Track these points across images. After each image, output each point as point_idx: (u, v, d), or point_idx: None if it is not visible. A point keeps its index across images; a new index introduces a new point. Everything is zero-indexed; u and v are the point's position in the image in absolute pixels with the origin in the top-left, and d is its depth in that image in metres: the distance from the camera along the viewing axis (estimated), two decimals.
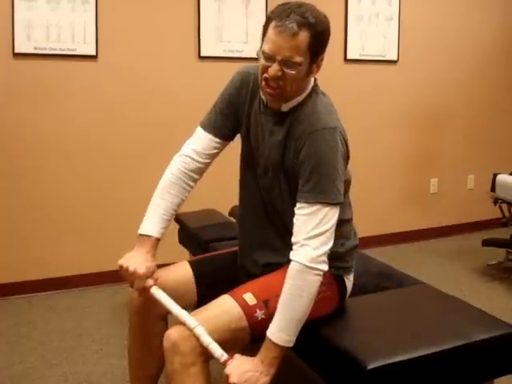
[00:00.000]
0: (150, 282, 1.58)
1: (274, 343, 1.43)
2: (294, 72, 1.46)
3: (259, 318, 1.51)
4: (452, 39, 4.27)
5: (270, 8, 3.79)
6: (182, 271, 1.76)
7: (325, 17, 1.50)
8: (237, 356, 1.45)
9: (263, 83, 1.51)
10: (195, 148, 1.68)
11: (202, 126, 1.70)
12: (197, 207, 3.10)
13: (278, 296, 1.50)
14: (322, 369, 1.60)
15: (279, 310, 1.44)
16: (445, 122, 4.34)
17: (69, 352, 2.49)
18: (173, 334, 1.44)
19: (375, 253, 2.03)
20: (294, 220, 1.49)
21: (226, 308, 1.50)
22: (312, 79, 1.58)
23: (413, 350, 1.44)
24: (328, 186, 1.47)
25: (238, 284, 1.66)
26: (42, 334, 2.68)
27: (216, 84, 1.97)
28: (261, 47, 1.49)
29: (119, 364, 2.35)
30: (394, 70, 4.07)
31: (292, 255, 1.46)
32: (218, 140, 1.68)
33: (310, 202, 1.46)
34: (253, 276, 1.67)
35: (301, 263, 1.43)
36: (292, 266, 1.45)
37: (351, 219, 1.72)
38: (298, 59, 1.44)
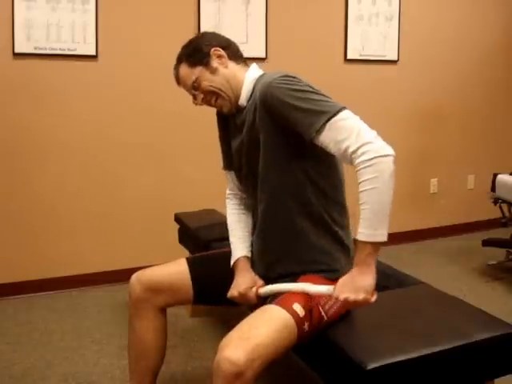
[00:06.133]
0: (253, 290, 1.63)
1: (362, 242, 1.37)
2: (204, 83, 1.63)
3: (305, 330, 1.46)
4: (452, 39, 4.27)
5: (270, 8, 3.81)
6: (178, 268, 1.79)
7: (196, 37, 1.72)
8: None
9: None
10: (231, 187, 1.87)
11: (223, 169, 1.87)
12: (197, 207, 3.10)
13: (318, 305, 1.49)
14: (321, 369, 1.59)
15: (360, 212, 1.36)
16: (445, 121, 4.34)
17: (69, 352, 2.49)
18: (239, 358, 1.27)
19: None
20: (333, 152, 1.41)
21: (283, 321, 1.41)
22: (252, 69, 1.67)
23: (413, 349, 1.44)
24: (318, 106, 1.42)
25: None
26: (42, 333, 2.68)
27: None
28: None
29: (119, 364, 2.35)
30: (394, 70, 4.07)
31: (355, 164, 1.37)
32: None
33: (317, 128, 1.40)
34: (268, 279, 1.66)
35: (365, 159, 1.34)
36: (359, 169, 1.36)
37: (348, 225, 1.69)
38: (192, 79, 1.64)
